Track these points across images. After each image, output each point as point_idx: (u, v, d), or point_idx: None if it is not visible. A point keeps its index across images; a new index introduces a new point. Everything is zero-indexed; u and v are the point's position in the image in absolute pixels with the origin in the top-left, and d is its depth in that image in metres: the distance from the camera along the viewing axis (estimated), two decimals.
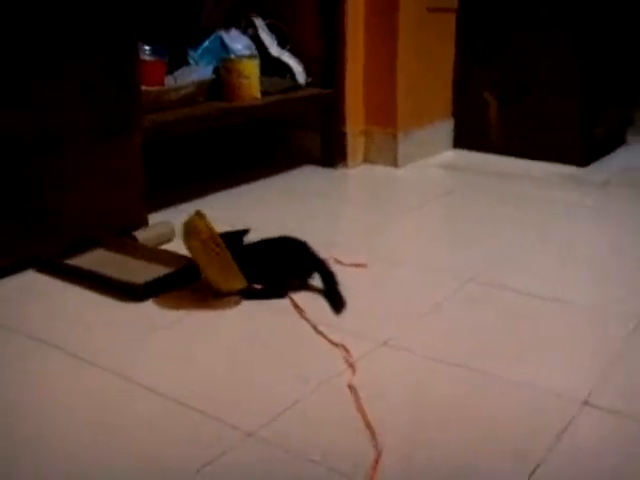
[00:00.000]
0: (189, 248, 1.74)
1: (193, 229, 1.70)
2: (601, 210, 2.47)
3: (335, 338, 1.53)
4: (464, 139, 3.23)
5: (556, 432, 1.22)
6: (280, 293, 1.75)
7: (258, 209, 2.01)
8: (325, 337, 1.54)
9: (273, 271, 1.79)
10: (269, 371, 1.43)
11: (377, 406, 1.30)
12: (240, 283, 1.71)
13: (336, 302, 1.70)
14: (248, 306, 1.71)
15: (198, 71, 2.56)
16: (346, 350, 1.48)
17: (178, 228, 2.06)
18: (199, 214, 1.70)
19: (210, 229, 1.68)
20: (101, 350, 1.50)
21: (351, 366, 1.43)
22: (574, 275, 1.91)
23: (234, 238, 1.78)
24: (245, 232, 1.81)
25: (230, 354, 1.50)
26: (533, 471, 1.13)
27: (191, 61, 2.62)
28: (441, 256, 2.05)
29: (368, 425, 1.24)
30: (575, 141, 2.98)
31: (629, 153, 3.24)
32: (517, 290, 1.79)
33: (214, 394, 1.35)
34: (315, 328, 1.58)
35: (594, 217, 2.40)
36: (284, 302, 1.72)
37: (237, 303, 1.72)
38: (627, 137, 3.39)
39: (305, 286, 1.78)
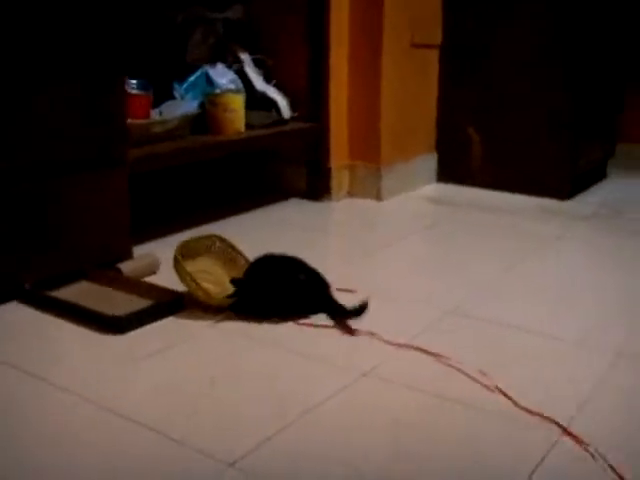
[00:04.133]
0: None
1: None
2: (583, 243, 2.50)
3: (315, 367, 1.54)
4: (447, 173, 3.26)
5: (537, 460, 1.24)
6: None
7: (245, 241, 2.03)
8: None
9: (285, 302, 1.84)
10: (251, 401, 1.44)
11: (357, 436, 1.31)
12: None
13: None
14: (230, 336, 1.72)
15: (184, 105, 2.59)
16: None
17: (162, 260, 2.08)
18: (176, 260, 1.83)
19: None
20: (81, 381, 1.50)
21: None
22: (555, 307, 1.93)
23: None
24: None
25: (213, 383, 1.51)
26: None
27: (177, 95, 2.65)
28: (422, 287, 2.07)
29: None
30: (558, 174, 3.02)
31: (611, 186, 3.28)
32: (498, 322, 1.81)
33: (195, 424, 1.36)
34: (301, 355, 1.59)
35: (576, 250, 2.43)
36: (266, 331, 1.73)
37: (218, 334, 1.73)
38: (608, 170, 3.43)
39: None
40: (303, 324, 1.78)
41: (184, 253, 1.89)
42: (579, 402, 1.44)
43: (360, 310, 1.79)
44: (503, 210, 2.86)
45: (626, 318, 1.87)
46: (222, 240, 2.01)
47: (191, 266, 1.88)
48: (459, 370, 1.55)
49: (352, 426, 1.35)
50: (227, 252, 2.01)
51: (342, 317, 1.80)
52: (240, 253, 2.00)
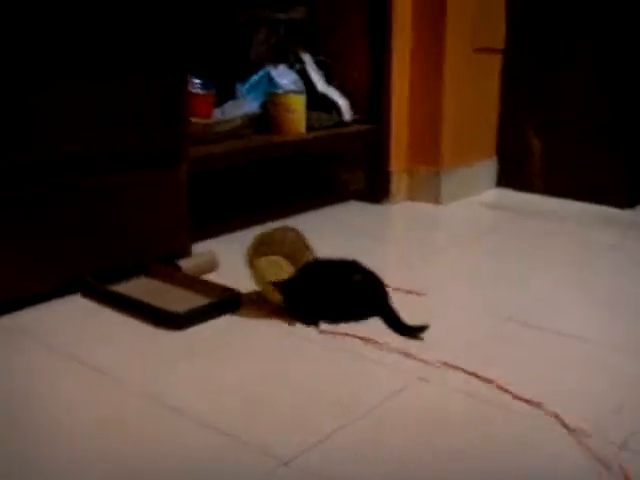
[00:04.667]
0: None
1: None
2: None
3: (373, 369, 1.54)
4: (507, 178, 3.23)
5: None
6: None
7: None
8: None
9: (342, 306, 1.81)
10: (308, 401, 1.44)
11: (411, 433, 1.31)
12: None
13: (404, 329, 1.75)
14: (287, 336, 1.73)
15: (245, 105, 2.60)
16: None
17: (221, 258, 2.10)
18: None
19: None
20: (138, 374, 1.52)
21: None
22: (612, 318, 1.89)
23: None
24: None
25: (268, 381, 1.51)
26: None
27: (239, 95, 2.67)
28: (481, 293, 2.05)
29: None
30: (618, 182, 2.97)
31: None
32: (555, 331, 1.78)
33: (250, 421, 1.36)
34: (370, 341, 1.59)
35: (635, 260, 2.38)
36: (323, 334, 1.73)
37: (275, 333, 1.74)
38: None
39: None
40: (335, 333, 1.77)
41: (257, 247, 1.90)
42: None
43: (418, 330, 1.74)
44: (562, 217, 2.82)
45: None
46: (294, 231, 2.00)
47: (264, 262, 1.89)
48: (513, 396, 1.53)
49: (410, 427, 1.35)
50: (298, 245, 1.98)
51: (397, 330, 1.76)
52: (309, 248, 1.98)
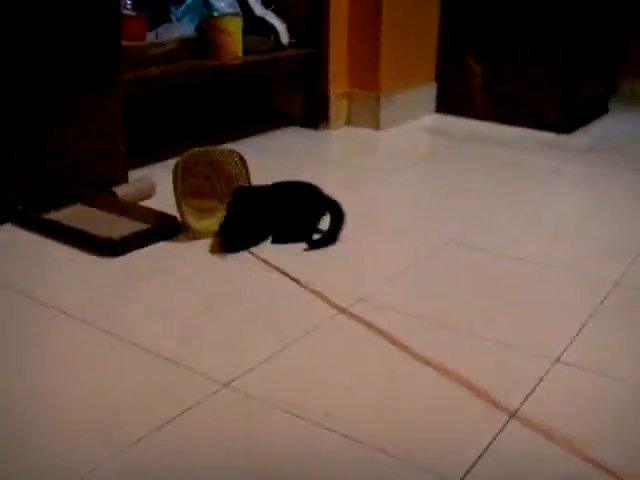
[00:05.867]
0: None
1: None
2: (582, 176, 2.48)
3: (312, 294, 1.55)
4: (447, 104, 3.22)
5: (529, 388, 1.24)
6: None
7: None
8: (307, 288, 1.55)
9: (295, 215, 1.86)
10: (246, 325, 1.44)
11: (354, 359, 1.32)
12: (214, 226, 1.79)
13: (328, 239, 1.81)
14: (224, 261, 1.72)
15: (180, 28, 2.54)
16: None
17: (158, 185, 2.07)
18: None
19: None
20: (76, 302, 1.50)
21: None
22: (550, 238, 1.92)
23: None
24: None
25: (206, 307, 1.51)
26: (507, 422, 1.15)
27: (173, 18, 2.59)
28: (419, 218, 2.06)
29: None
30: (558, 108, 2.99)
31: (612, 121, 3.24)
32: (495, 252, 1.81)
33: (190, 345, 1.36)
34: (297, 281, 1.59)
35: (574, 183, 2.41)
36: (260, 256, 1.72)
37: (213, 256, 1.73)
38: (610, 106, 3.39)
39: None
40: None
41: (188, 163, 1.88)
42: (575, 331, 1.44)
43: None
44: (501, 143, 2.84)
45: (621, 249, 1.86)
46: (232, 153, 2.00)
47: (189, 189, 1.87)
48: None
49: (347, 350, 1.36)
50: (233, 165, 1.99)
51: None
52: (247, 171, 1.99)
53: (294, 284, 1.60)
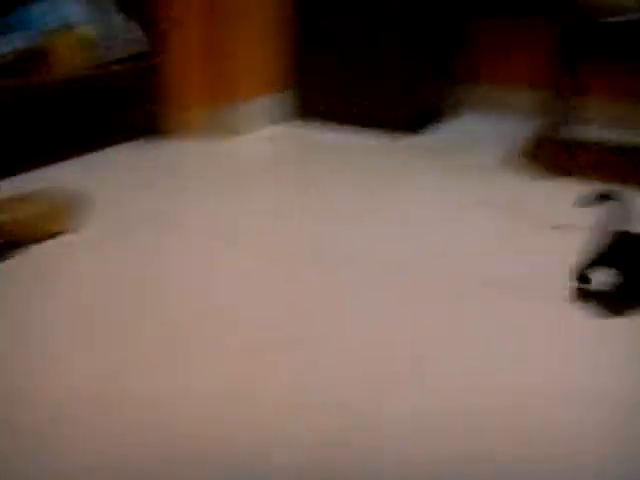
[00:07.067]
0: None
1: None
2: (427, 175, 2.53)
3: None
4: (300, 111, 3.25)
5: None
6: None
7: (85, 183, 1.93)
8: None
9: None
10: None
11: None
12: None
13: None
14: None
15: (17, 39, 2.43)
16: None
17: None
18: None
19: None
20: None
21: None
22: (402, 237, 1.94)
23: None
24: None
25: None
26: None
27: (10, 29, 2.48)
28: (262, 226, 2.04)
29: None
30: (396, 112, 3.09)
31: (447, 126, 3.33)
32: (347, 257, 1.81)
33: None
34: None
35: (421, 183, 2.46)
36: None
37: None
38: (448, 110, 3.49)
39: None
40: None
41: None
42: None
43: None
44: (352, 147, 2.89)
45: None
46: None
47: None
48: None
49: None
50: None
51: None
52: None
53: None
